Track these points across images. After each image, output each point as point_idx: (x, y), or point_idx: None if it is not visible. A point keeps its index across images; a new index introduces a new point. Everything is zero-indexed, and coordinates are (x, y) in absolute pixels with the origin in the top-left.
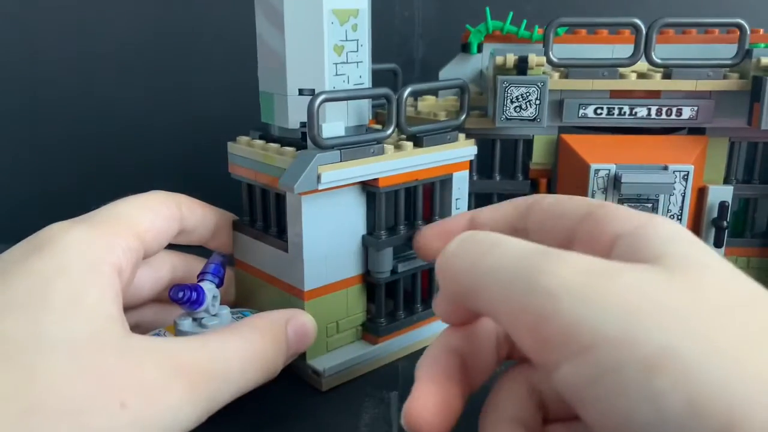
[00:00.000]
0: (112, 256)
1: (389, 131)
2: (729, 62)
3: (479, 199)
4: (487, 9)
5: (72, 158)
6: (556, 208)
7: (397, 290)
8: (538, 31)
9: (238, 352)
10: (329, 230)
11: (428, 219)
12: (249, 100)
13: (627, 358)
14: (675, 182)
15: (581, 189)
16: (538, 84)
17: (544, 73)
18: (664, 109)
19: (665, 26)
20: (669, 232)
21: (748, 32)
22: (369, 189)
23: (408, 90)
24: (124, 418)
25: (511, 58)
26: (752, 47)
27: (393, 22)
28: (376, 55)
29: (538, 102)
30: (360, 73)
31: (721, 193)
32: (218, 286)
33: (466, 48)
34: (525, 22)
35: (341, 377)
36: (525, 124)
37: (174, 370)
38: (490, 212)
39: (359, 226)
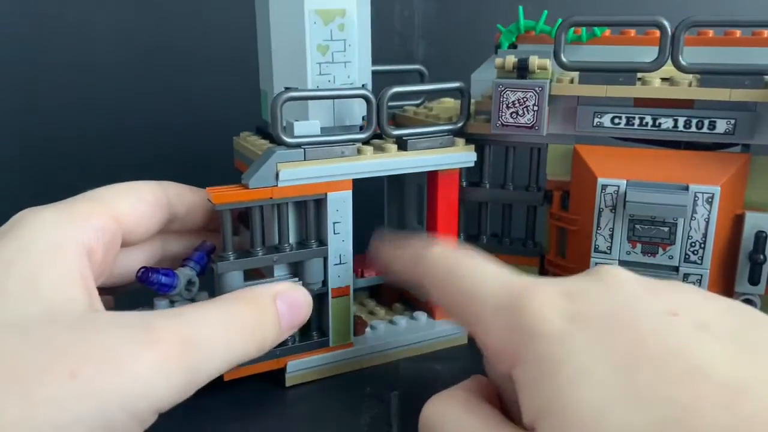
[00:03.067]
0: (81, 235)
1: (367, 133)
2: None
3: (492, 208)
4: (520, 8)
5: (71, 157)
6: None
7: None
8: (573, 32)
9: (220, 321)
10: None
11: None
12: (251, 99)
13: None
14: (696, 205)
15: (590, 206)
16: (536, 89)
17: (557, 78)
18: (694, 121)
19: (695, 26)
20: (533, 371)
21: None
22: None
23: (390, 92)
24: (74, 388)
25: (510, 60)
26: None
27: (393, 22)
28: (376, 55)
29: (536, 108)
30: (349, 72)
31: (759, 221)
32: (200, 273)
33: (497, 49)
34: (560, 21)
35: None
36: (522, 132)
37: (143, 340)
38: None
39: None
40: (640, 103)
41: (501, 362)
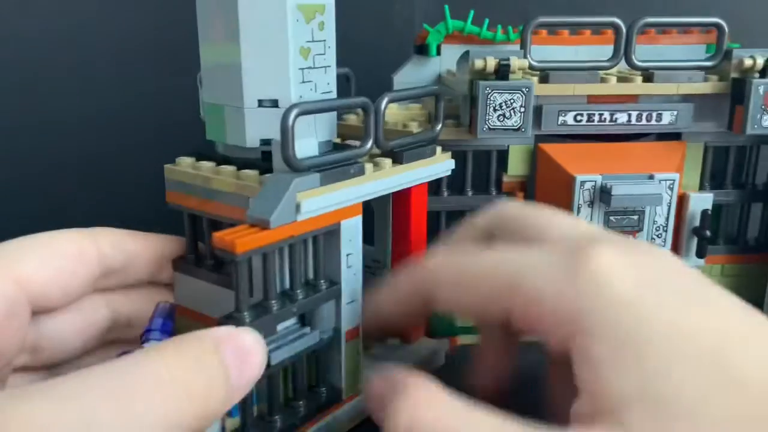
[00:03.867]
0: None
1: (367, 147)
2: (709, 64)
3: (450, 217)
4: (446, 7)
5: (71, 160)
6: (465, 300)
7: (271, 388)
8: (500, 32)
9: (126, 386)
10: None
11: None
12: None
13: None
14: (661, 191)
15: (564, 201)
16: (523, 90)
17: (523, 77)
18: (644, 115)
19: (647, 26)
20: (613, 340)
21: (726, 32)
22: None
23: (386, 99)
24: None
25: (491, 62)
26: (730, 46)
27: (393, 21)
28: (375, 57)
29: (522, 109)
30: (328, 79)
31: (702, 201)
32: None
33: (422, 50)
34: (487, 21)
35: None
36: (509, 134)
37: None
38: (383, 307)
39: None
40: (593, 100)
41: (555, 330)
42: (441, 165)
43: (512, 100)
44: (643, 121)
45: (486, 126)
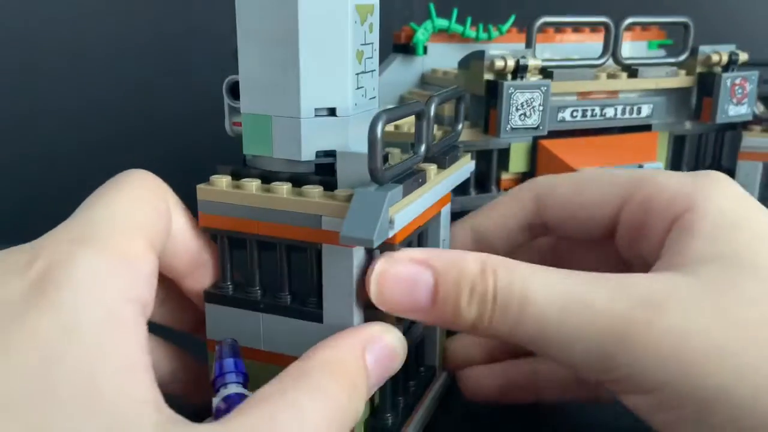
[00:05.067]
0: (134, 290)
1: (422, 152)
2: (680, 60)
3: (455, 218)
4: (431, 5)
5: (71, 157)
6: (579, 199)
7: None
8: (482, 31)
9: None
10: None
11: None
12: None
13: (686, 401)
14: None
15: None
16: (542, 88)
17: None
18: (627, 108)
19: (632, 24)
20: (717, 220)
21: (692, 30)
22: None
23: (435, 103)
24: None
25: (511, 61)
26: (663, 43)
27: (392, 21)
28: None
29: (541, 108)
30: (374, 84)
31: None
32: (245, 384)
33: (407, 49)
34: (469, 20)
35: None
36: (529, 133)
37: None
38: (488, 216)
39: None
40: (583, 96)
41: (665, 211)
42: (467, 167)
43: (532, 99)
44: (627, 115)
45: (509, 125)
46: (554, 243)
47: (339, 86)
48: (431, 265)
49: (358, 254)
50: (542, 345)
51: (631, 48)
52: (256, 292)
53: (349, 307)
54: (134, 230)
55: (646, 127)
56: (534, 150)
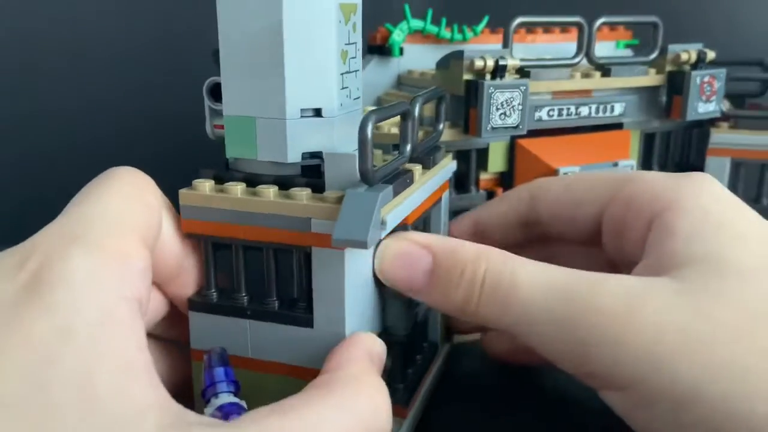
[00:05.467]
0: (129, 288)
1: (408, 153)
2: (651, 58)
3: None
4: (406, 6)
5: (71, 157)
6: (568, 196)
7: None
8: (457, 31)
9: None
10: (360, 289)
11: None
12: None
13: (660, 398)
14: None
15: None
16: (521, 88)
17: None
18: (601, 107)
19: (604, 24)
20: (698, 219)
21: (662, 29)
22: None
23: (419, 103)
24: None
25: (490, 61)
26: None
27: (392, 21)
28: None
29: (520, 107)
30: (357, 84)
31: None
32: (237, 393)
33: (383, 50)
34: (444, 21)
35: None
36: (508, 132)
37: None
38: (490, 211)
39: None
40: (558, 96)
41: (648, 208)
42: (450, 167)
43: (512, 99)
44: (600, 113)
45: (489, 125)
46: (548, 250)
47: (324, 86)
48: (432, 250)
49: (350, 256)
50: (525, 331)
51: (600, 48)
52: (242, 298)
53: (341, 311)
54: (126, 227)
55: (617, 126)
56: (512, 149)
